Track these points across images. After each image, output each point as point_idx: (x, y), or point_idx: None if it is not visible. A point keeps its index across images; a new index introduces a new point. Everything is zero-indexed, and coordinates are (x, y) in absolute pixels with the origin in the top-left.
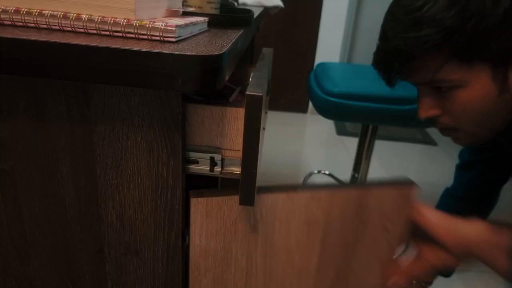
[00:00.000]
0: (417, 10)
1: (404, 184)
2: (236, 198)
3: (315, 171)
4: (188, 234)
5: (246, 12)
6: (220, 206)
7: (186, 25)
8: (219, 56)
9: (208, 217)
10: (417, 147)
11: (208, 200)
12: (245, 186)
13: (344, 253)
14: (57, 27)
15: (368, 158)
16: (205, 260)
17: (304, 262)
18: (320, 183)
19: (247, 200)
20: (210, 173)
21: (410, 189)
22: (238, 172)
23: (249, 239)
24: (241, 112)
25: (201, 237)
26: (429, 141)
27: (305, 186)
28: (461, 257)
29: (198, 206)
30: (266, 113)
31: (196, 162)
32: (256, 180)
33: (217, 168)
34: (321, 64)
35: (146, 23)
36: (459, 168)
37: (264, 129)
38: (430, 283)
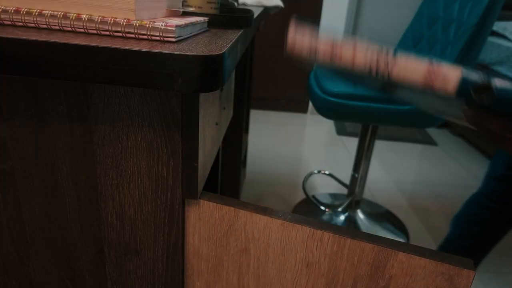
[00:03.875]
0: None
1: (458, 265)
2: (227, 209)
3: (315, 171)
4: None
5: (246, 12)
6: (211, 212)
7: (186, 25)
8: (219, 56)
9: (200, 219)
10: (417, 147)
11: (200, 202)
12: (187, 179)
13: None
14: (57, 27)
15: (368, 158)
16: (198, 262)
17: None
18: (325, 220)
19: (190, 193)
20: None
21: (464, 275)
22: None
23: (241, 257)
24: None
25: (194, 238)
26: (429, 141)
27: (305, 218)
28: None
29: (191, 206)
30: (224, 108)
31: None
32: (199, 174)
33: None
34: None
35: (146, 23)
36: (494, 179)
37: (217, 124)
38: None
